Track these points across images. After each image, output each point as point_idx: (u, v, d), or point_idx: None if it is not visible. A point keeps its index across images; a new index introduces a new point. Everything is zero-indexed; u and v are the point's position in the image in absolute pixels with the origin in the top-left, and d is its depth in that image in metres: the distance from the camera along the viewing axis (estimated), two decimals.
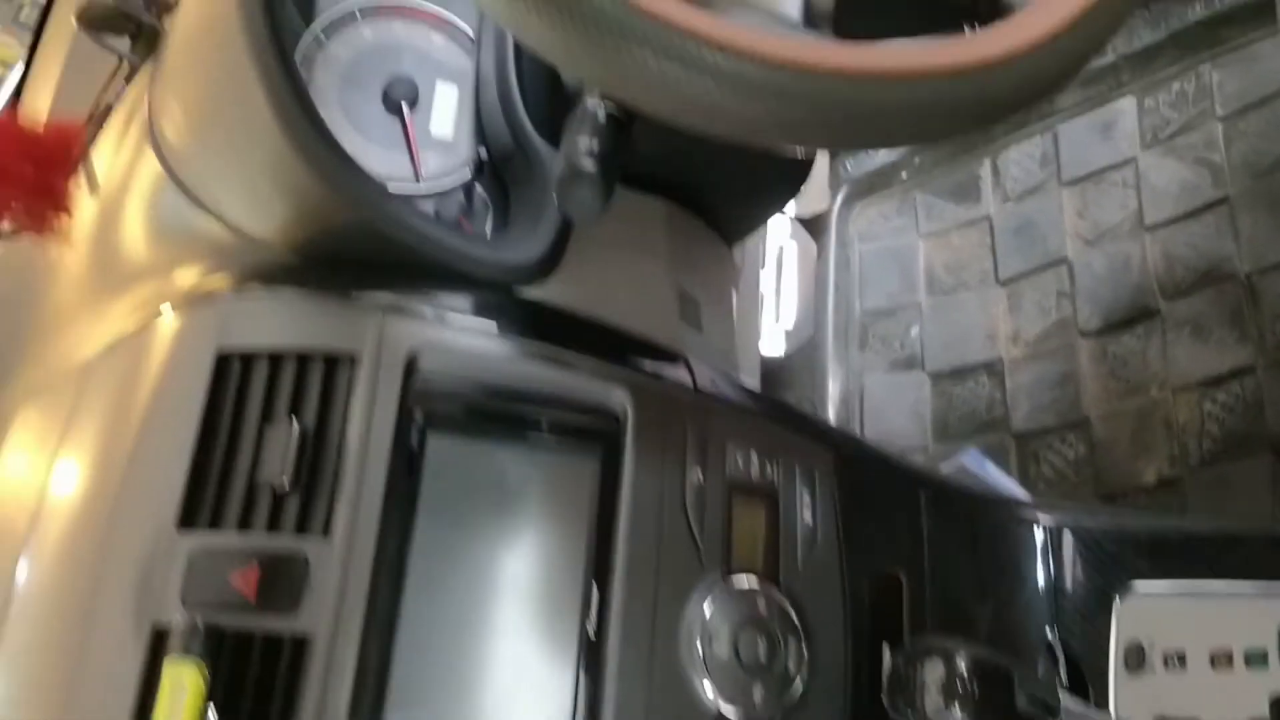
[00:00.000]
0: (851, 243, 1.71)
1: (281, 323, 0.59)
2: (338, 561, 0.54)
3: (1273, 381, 1.25)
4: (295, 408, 0.57)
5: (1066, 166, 1.55)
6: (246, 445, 0.57)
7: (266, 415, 0.57)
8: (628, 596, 0.59)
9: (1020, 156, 1.61)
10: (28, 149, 0.46)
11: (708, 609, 0.60)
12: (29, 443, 0.67)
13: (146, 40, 0.77)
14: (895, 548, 0.69)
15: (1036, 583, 0.73)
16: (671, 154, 0.48)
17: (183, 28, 0.72)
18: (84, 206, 0.79)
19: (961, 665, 0.59)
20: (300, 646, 0.53)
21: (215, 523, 0.55)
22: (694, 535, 0.61)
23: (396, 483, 0.57)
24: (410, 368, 0.59)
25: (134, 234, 0.71)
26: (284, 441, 0.56)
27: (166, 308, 0.62)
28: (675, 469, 0.62)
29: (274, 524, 0.55)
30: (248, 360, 0.58)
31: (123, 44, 0.77)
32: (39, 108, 0.96)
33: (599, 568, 0.59)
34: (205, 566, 0.53)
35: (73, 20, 0.94)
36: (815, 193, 1.68)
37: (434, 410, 0.59)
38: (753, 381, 0.89)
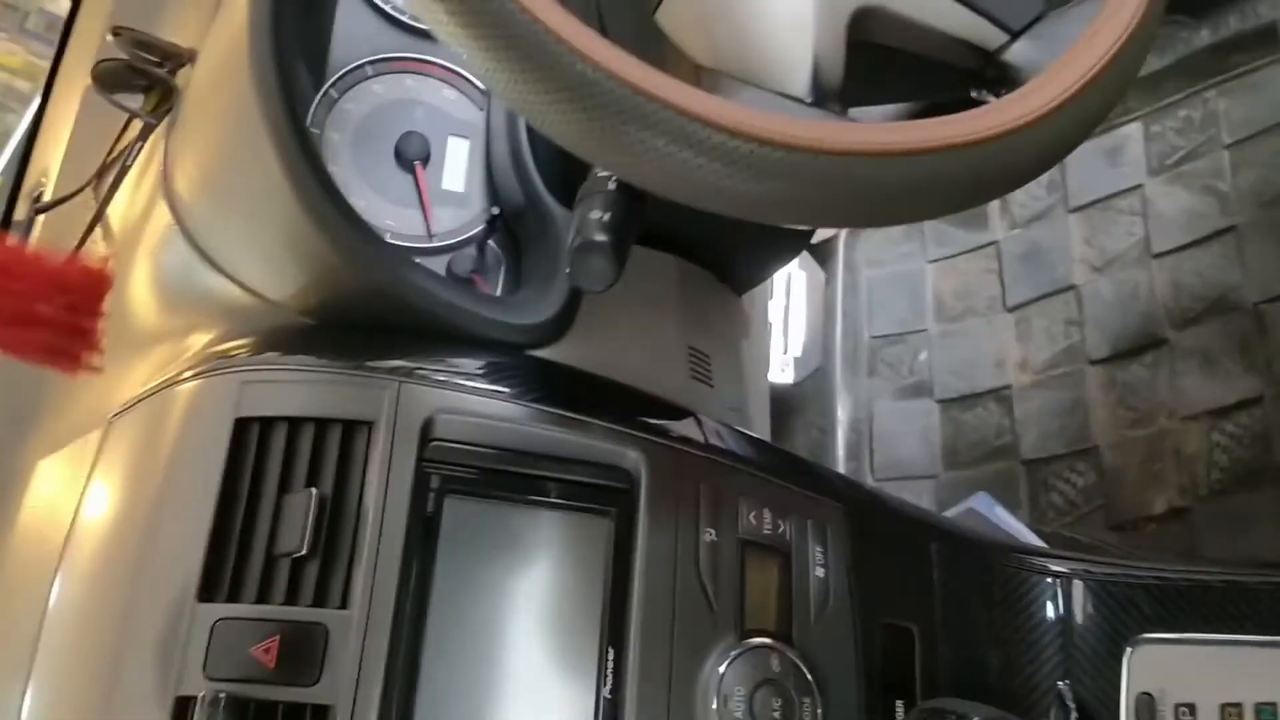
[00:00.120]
0: (859, 269, 1.71)
1: (299, 390, 0.60)
2: (357, 630, 0.55)
3: None
4: (312, 476, 0.58)
5: (1073, 193, 1.55)
6: (265, 514, 0.57)
7: (284, 483, 0.58)
8: (643, 658, 0.59)
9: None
10: (57, 289, 0.46)
11: (723, 669, 0.60)
12: (50, 498, 0.68)
13: (161, 96, 0.78)
14: (907, 600, 0.70)
15: (1047, 632, 0.73)
16: (682, 214, 0.48)
17: (197, 85, 0.73)
18: (101, 255, 0.80)
19: None
20: (321, 714, 0.53)
21: (235, 594, 0.55)
22: (708, 595, 0.62)
23: (413, 549, 0.57)
24: (426, 433, 0.59)
25: (150, 291, 0.72)
26: (302, 510, 0.56)
27: (184, 371, 0.63)
28: (689, 528, 0.63)
29: (292, 594, 0.56)
30: (266, 428, 0.59)
31: (135, 101, 0.78)
32: (48, 163, 0.97)
33: (614, 629, 0.60)
34: (227, 639, 0.54)
35: (86, 76, 0.96)
36: None
37: (450, 475, 0.59)
38: (763, 425, 0.89)
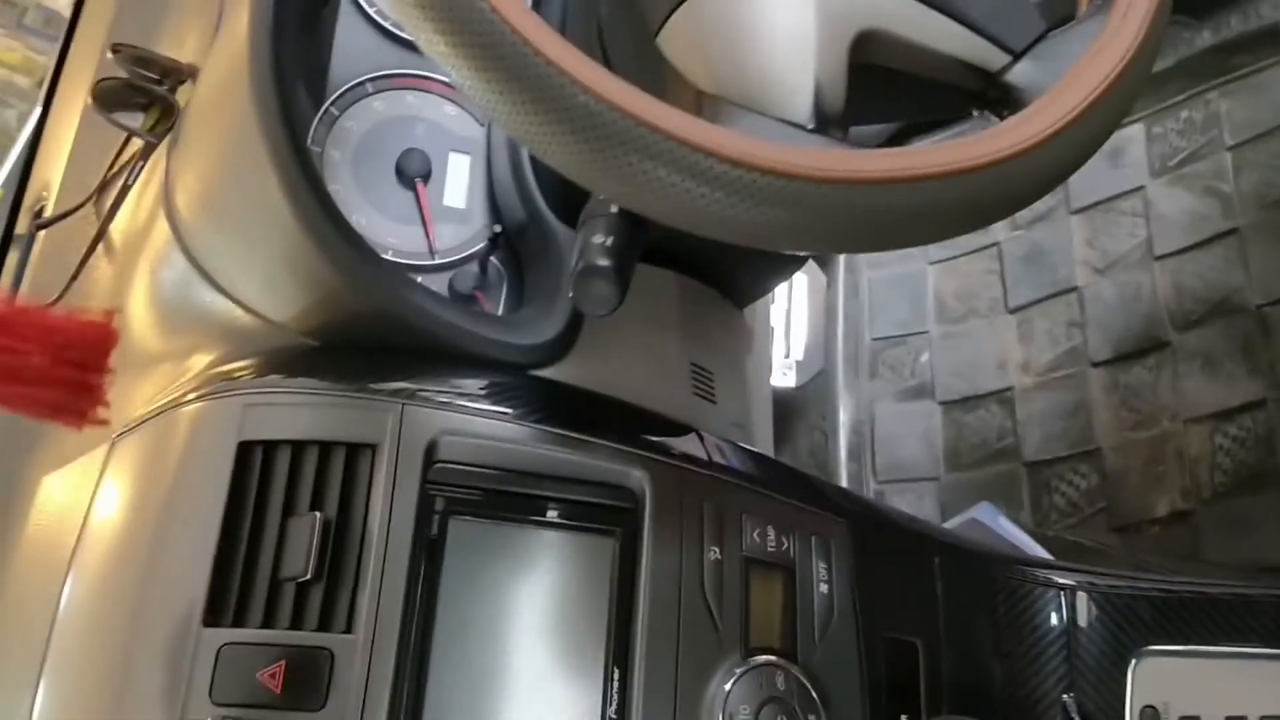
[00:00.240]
0: (860, 271, 1.71)
1: (302, 413, 0.60)
2: (362, 654, 0.55)
3: None
4: (316, 499, 0.58)
5: (1075, 194, 1.54)
6: (269, 538, 0.57)
7: (288, 507, 0.58)
8: (648, 677, 0.59)
9: None
10: (64, 347, 0.46)
11: (728, 687, 0.60)
12: (54, 515, 0.68)
13: (161, 113, 0.78)
14: (910, 614, 0.70)
15: (1052, 644, 0.74)
16: (684, 233, 0.48)
17: (198, 103, 0.73)
18: (102, 274, 0.80)
19: None
20: None
21: (240, 619, 0.55)
22: (713, 614, 0.62)
23: (418, 572, 0.57)
24: (430, 456, 0.59)
25: (152, 310, 0.72)
26: (307, 534, 0.56)
27: (188, 393, 0.63)
28: (693, 547, 0.63)
29: (298, 618, 0.56)
30: (270, 451, 0.59)
31: (135, 120, 0.78)
32: (49, 177, 0.97)
33: (619, 648, 0.60)
34: (233, 664, 0.54)
35: (87, 87, 0.96)
36: None
37: (454, 497, 0.59)
38: (766, 439, 0.89)
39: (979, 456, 1.51)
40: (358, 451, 0.59)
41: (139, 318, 0.72)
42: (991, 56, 0.54)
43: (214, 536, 0.56)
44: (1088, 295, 1.49)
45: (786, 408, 1.62)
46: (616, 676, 0.59)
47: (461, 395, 0.62)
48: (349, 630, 0.55)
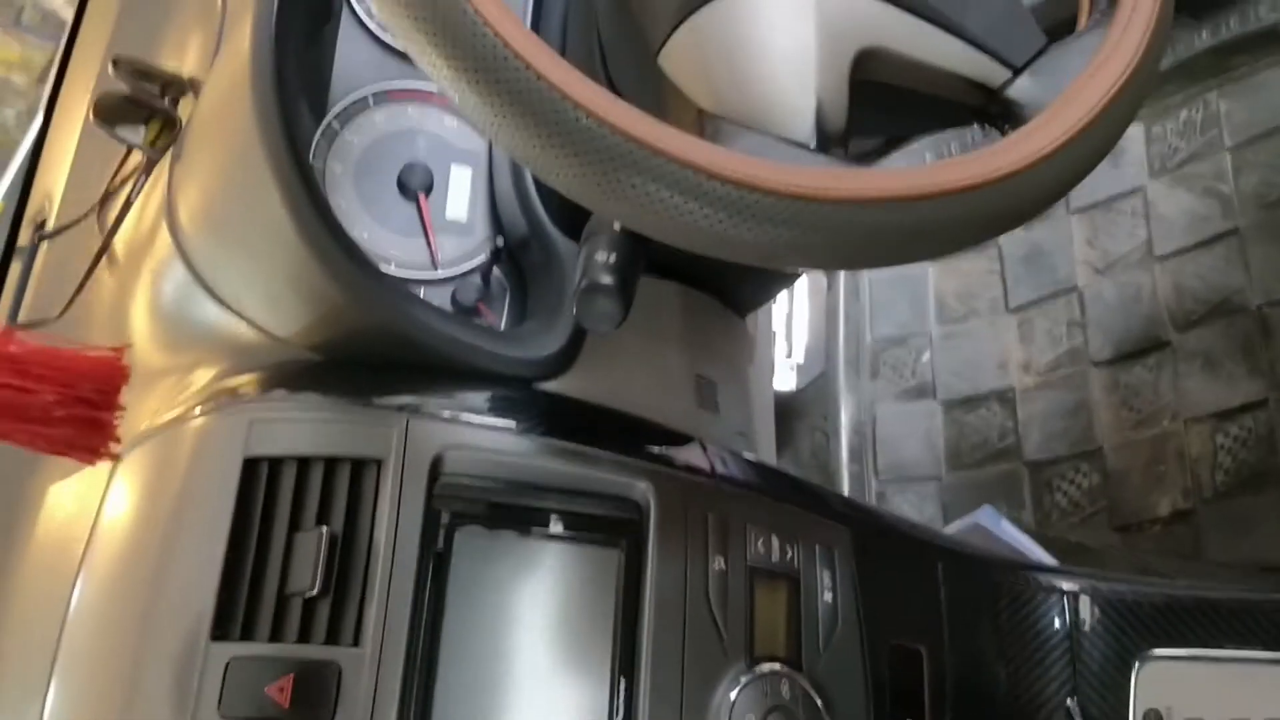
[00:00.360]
0: (860, 271, 1.71)
1: (307, 429, 0.60)
2: (370, 668, 0.55)
3: None
4: (322, 514, 0.58)
5: (1075, 194, 1.54)
6: (276, 553, 0.58)
7: (295, 522, 0.58)
8: (654, 688, 0.59)
9: None
10: (75, 384, 0.47)
11: (734, 696, 0.61)
12: (61, 527, 0.68)
13: (162, 125, 0.78)
14: (914, 621, 0.70)
15: (1055, 649, 0.74)
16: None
17: (200, 117, 0.73)
18: (105, 288, 0.80)
19: None
20: None
21: (248, 633, 0.56)
22: (718, 624, 0.62)
23: (425, 585, 0.58)
24: (435, 470, 0.60)
25: (156, 324, 0.72)
26: (313, 549, 0.57)
27: (194, 408, 0.63)
28: (698, 557, 0.63)
29: (305, 632, 0.56)
30: (275, 466, 0.59)
31: (136, 134, 0.78)
32: (51, 187, 0.97)
33: (625, 659, 0.60)
34: (241, 678, 0.54)
35: (87, 97, 0.96)
36: None
37: (460, 511, 0.60)
38: (769, 447, 0.89)
39: (980, 456, 1.52)
40: (363, 466, 0.59)
41: (142, 331, 0.73)
42: (992, 72, 0.54)
43: (221, 551, 0.57)
44: (1088, 295, 1.49)
45: (788, 409, 1.63)
46: (622, 686, 0.60)
47: (466, 409, 0.63)
48: (356, 644, 0.56)
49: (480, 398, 0.64)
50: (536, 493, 0.61)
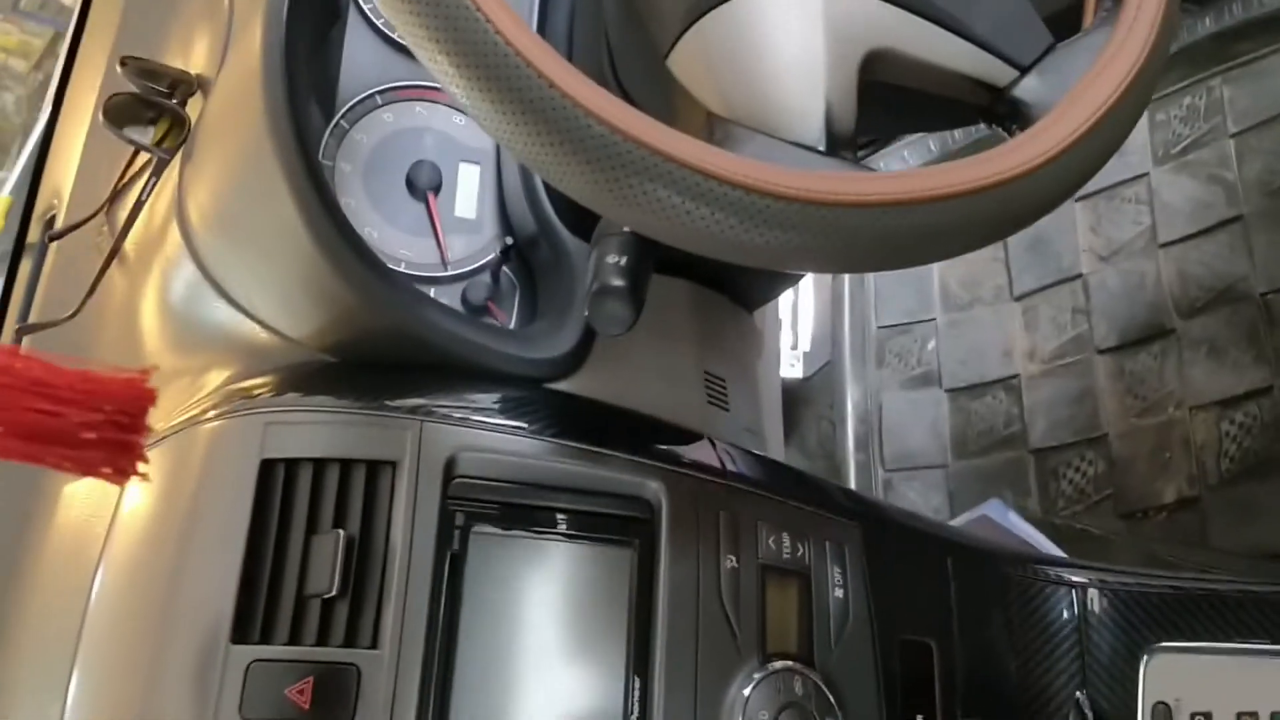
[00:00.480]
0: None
1: (322, 431, 0.60)
2: (388, 670, 0.56)
3: None
4: (339, 516, 0.59)
5: None
6: (294, 555, 0.58)
7: (311, 524, 0.59)
8: (668, 686, 0.60)
9: None
10: (102, 407, 0.47)
11: (747, 693, 0.61)
12: (76, 528, 0.69)
13: (170, 124, 0.78)
14: (924, 616, 0.71)
15: (1064, 642, 0.74)
16: None
17: (210, 117, 0.73)
18: (116, 287, 0.80)
19: None
20: None
21: (267, 636, 0.56)
22: (730, 622, 0.63)
23: (441, 586, 0.58)
24: (449, 472, 0.60)
25: (167, 325, 0.72)
26: (331, 551, 0.57)
27: (208, 410, 0.63)
28: (710, 556, 0.63)
29: (324, 634, 0.56)
30: (291, 468, 0.60)
31: (145, 135, 0.78)
32: (59, 184, 0.97)
33: (639, 657, 0.61)
34: (261, 681, 0.55)
35: (94, 93, 0.96)
36: None
37: (474, 512, 0.60)
38: (777, 442, 0.90)
39: (986, 444, 1.52)
40: (378, 469, 0.60)
41: (153, 333, 0.73)
42: (999, 72, 0.54)
43: (239, 554, 0.57)
44: (1092, 283, 1.49)
45: (794, 398, 1.63)
46: (637, 685, 0.60)
47: (478, 411, 0.63)
48: (374, 646, 0.56)
49: (492, 399, 0.64)
50: (549, 493, 0.62)
